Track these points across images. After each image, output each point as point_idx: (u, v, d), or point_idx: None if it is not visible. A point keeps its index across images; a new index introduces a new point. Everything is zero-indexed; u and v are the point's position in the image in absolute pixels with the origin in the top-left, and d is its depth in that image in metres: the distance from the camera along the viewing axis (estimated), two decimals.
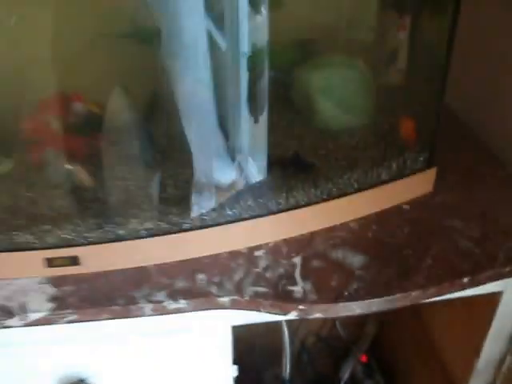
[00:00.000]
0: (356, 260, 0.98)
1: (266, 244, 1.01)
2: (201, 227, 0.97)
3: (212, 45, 0.92)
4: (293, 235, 1.03)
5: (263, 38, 0.90)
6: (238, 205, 0.99)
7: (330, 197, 1.03)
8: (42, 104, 1.11)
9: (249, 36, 0.90)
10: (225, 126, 1.03)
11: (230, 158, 1.05)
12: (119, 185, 1.01)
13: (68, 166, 1.04)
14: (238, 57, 0.92)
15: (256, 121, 0.98)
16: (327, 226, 1.04)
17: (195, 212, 0.98)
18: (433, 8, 1.08)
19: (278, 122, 1.11)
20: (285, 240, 1.02)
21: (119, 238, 0.96)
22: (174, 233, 0.97)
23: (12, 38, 1.04)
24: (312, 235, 1.03)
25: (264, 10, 0.89)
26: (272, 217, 1.00)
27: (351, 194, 1.04)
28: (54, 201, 1.04)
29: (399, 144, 1.12)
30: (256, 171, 1.02)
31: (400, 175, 1.07)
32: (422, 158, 1.09)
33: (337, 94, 1.10)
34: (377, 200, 1.06)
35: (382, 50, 1.15)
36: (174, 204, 0.98)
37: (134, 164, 1.04)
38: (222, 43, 0.96)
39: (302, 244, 1.02)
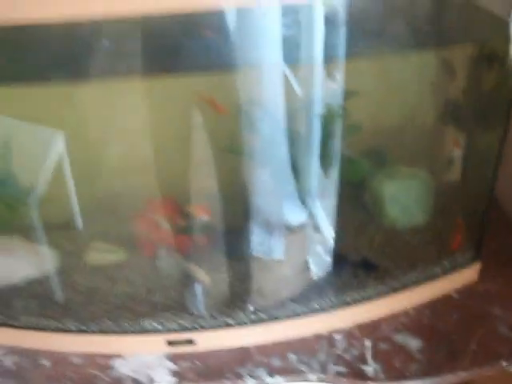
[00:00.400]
0: (414, 343, 1.24)
1: (343, 329, 1.26)
2: (293, 316, 1.23)
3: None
4: (363, 321, 1.28)
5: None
6: (321, 298, 1.27)
7: (394, 290, 1.28)
8: (153, 204, 1.36)
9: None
10: (297, 173, 1.29)
11: (300, 201, 1.30)
12: (226, 280, 1.27)
13: (183, 263, 1.30)
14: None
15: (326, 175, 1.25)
16: (391, 313, 1.29)
17: (260, 250, 1.24)
18: (486, 125, 1.34)
19: (351, 221, 1.37)
20: (358, 325, 1.27)
21: (227, 325, 1.22)
22: (271, 321, 1.22)
23: (132, 144, 1.29)
24: (379, 321, 1.29)
25: None
26: (347, 307, 1.25)
27: (410, 286, 1.29)
28: (168, 291, 1.29)
29: (451, 243, 1.37)
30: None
31: (450, 270, 1.33)
32: (469, 255, 1.35)
33: (403, 200, 1.37)
34: (430, 291, 1.32)
35: (440, 161, 1.41)
36: (271, 299, 1.24)
37: (238, 261, 1.29)
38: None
39: (371, 329, 1.27)
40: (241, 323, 1.23)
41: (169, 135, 1.34)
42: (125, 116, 1.32)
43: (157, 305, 1.26)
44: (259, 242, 1.29)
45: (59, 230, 1.43)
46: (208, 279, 1.27)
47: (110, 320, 1.23)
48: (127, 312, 1.25)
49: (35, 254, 1.38)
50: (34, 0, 0.84)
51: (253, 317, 1.23)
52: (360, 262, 1.32)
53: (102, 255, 1.39)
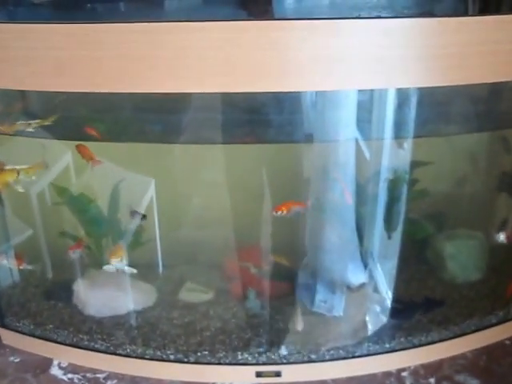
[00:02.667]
0: (473, 383, 1.42)
1: (409, 367, 1.45)
2: (366, 354, 1.42)
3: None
4: (427, 361, 1.47)
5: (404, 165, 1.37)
6: (392, 340, 1.46)
7: (454, 335, 1.48)
8: (243, 252, 1.57)
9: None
10: (362, 234, 1.48)
11: (362, 262, 1.49)
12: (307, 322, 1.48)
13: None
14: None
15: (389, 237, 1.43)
16: (451, 355, 1.48)
17: (323, 308, 1.43)
18: None
19: (414, 275, 1.58)
20: (422, 364, 1.46)
21: (310, 361, 1.41)
22: (347, 358, 1.42)
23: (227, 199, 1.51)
24: (441, 361, 1.47)
25: None
26: (414, 348, 1.45)
27: (468, 333, 1.49)
28: (257, 329, 1.49)
29: (505, 296, 1.56)
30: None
31: (504, 319, 1.52)
32: None
33: (462, 258, 1.57)
34: (486, 337, 1.51)
35: (495, 224, 1.61)
36: (351, 338, 1.44)
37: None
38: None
39: (434, 368, 1.46)
40: (322, 359, 1.41)
41: (255, 194, 1.53)
42: (219, 175, 1.55)
43: (249, 340, 1.44)
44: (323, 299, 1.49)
45: (158, 271, 1.62)
46: (301, 324, 1.47)
47: (205, 351, 1.42)
48: (221, 345, 1.43)
49: (138, 289, 1.57)
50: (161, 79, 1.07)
51: (332, 352, 1.41)
52: (426, 301, 1.51)
53: (195, 294, 1.58)
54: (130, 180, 1.56)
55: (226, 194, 1.54)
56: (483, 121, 1.41)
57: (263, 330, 1.48)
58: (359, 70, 1.03)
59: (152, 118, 1.40)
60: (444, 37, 1.02)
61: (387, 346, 1.43)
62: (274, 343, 1.43)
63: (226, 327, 1.49)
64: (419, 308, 1.53)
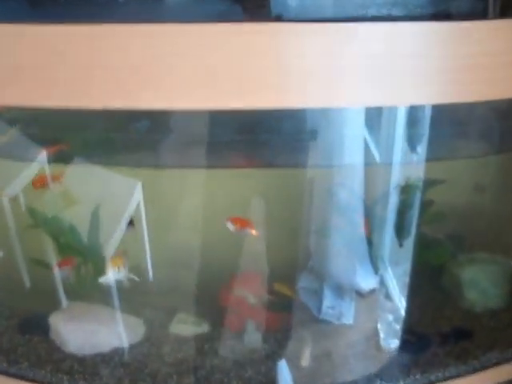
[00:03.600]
0: None
1: None
2: None
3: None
4: None
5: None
6: (407, 376, 1.32)
7: (474, 370, 1.34)
8: (239, 280, 1.42)
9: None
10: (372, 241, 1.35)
11: (372, 268, 1.35)
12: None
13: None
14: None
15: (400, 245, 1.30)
16: None
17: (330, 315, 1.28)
18: None
19: (429, 303, 1.43)
20: None
21: None
22: None
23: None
24: None
25: None
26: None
27: (490, 366, 1.35)
28: (257, 366, 1.33)
29: None
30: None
31: None
32: None
33: (481, 285, 1.44)
34: (509, 371, 1.37)
35: None
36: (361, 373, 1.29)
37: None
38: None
39: None
40: None
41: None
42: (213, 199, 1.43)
43: (249, 379, 1.28)
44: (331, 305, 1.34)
45: (143, 300, 1.46)
46: (307, 361, 1.32)
47: None
48: None
49: (123, 323, 1.40)
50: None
51: None
52: (453, 332, 1.37)
53: (186, 326, 1.42)
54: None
55: (220, 217, 1.36)
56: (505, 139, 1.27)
57: (265, 368, 1.30)
58: (367, 84, 0.88)
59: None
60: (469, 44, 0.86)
61: (401, 383, 1.27)
62: (278, 383, 1.26)
63: (222, 365, 1.30)
64: (436, 340, 1.38)
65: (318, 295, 1.40)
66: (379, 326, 1.36)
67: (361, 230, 1.32)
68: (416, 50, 0.87)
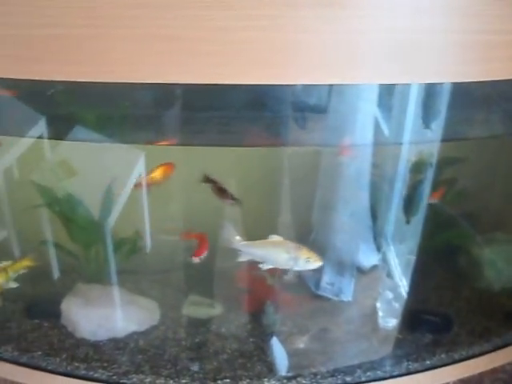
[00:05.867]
0: None
1: (448, 382, 1.31)
2: (406, 374, 1.27)
3: None
4: (467, 375, 1.33)
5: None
6: (433, 356, 1.32)
7: (493, 347, 1.34)
8: None
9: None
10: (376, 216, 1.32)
11: (375, 245, 1.34)
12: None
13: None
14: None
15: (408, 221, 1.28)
16: (490, 368, 1.35)
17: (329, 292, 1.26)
18: None
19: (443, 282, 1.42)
20: (461, 379, 1.32)
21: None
22: (387, 378, 1.27)
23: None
24: (480, 375, 1.34)
25: None
26: (454, 363, 1.31)
27: (508, 344, 1.35)
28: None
29: None
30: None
31: None
32: None
33: (500, 264, 1.43)
34: None
35: None
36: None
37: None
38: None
39: (474, 382, 1.32)
40: (358, 381, 1.25)
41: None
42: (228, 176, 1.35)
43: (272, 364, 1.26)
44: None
45: (157, 281, 1.41)
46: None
47: (227, 379, 1.23)
48: (243, 370, 1.25)
49: (138, 306, 1.36)
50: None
51: (369, 374, 1.25)
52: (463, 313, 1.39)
53: (200, 309, 1.38)
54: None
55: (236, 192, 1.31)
56: None
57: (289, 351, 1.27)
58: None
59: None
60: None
61: (428, 362, 1.27)
62: (303, 366, 1.23)
63: (244, 348, 1.27)
64: (456, 320, 1.39)
65: (318, 270, 1.33)
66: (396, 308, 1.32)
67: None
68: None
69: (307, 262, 1.13)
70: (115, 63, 0.83)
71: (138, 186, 1.25)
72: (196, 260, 1.20)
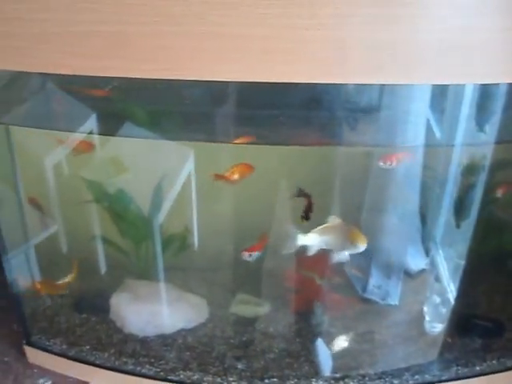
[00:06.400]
0: None
1: None
2: (455, 379, 1.25)
3: None
4: None
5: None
6: (484, 362, 1.30)
7: None
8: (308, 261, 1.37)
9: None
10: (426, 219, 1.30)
11: (424, 249, 1.32)
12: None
13: None
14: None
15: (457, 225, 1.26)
16: None
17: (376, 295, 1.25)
18: None
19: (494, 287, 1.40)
20: None
21: None
22: (435, 383, 1.25)
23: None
24: None
25: None
26: (505, 371, 1.28)
27: None
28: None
29: None
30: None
31: None
32: None
33: None
34: None
35: None
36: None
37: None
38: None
39: None
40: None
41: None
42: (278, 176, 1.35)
43: (319, 364, 1.25)
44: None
45: (205, 279, 1.41)
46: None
47: (274, 378, 1.22)
48: (290, 370, 1.24)
49: (187, 303, 1.36)
50: None
51: (417, 377, 1.25)
52: None
53: (248, 307, 1.38)
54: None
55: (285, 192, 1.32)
56: None
57: (336, 352, 1.26)
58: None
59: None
60: None
61: (478, 368, 1.24)
62: (351, 367, 1.22)
63: (291, 348, 1.26)
64: (508, 326, 1.37)
65: (365, 273, 1.34)
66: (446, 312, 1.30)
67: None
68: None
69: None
70: (175, 61, 0.83)
71: (218, 177, 1.23)
72: (245, 255, 1.19)
